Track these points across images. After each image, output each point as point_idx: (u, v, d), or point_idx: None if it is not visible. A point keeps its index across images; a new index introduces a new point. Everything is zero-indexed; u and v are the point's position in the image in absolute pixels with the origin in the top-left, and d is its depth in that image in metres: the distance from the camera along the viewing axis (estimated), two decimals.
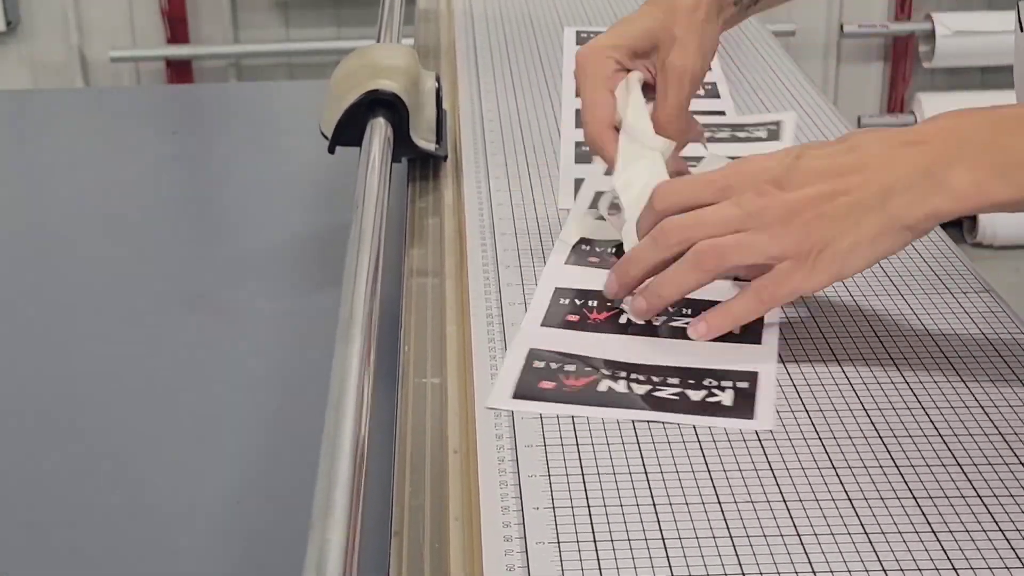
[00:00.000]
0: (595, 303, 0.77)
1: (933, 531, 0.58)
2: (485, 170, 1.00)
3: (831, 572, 0.56)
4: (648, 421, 0.66)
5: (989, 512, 0.60)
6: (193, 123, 1.38)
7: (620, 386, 0.69)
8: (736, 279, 0.77)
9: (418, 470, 0.63)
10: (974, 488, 0.61)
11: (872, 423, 0.67)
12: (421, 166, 1.01)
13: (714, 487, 0.62)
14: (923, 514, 0.60)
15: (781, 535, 0.58)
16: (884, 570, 0.56)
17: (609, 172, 0.85)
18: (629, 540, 0.58)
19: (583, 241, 0.85)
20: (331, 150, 0.93)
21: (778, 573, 0.56)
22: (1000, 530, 0.58)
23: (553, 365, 0.71)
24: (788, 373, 0.71)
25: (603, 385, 0.69)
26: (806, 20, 3.18)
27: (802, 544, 0.58)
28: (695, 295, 0.74)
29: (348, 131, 0.92)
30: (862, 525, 0.59)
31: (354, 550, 0.50)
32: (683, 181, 0.76)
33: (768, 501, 0.61)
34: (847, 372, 0.72)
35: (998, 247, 3.08)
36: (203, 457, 0.74)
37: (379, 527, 0.59)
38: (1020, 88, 0.92)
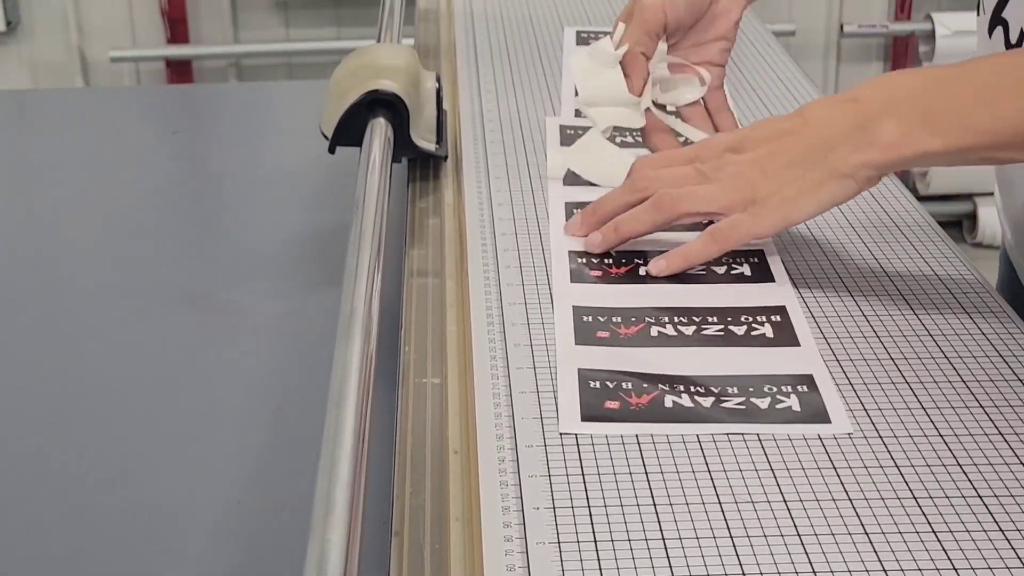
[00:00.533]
0: (619, 319, 0.77)
1: (933, 531, 0.58)
2: (485, 170, 1.00)
3: (831, 572, 0.56)
4: (727, 435, 0.66)
5: (989, 512, 0.60)
6: (193, 123, 1.38)
7: (685, 400, 0.68)
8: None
9: (418, 470, 0.63)
10: (974, 488, 0.61)
11: (872, 423, 0.67)
12: (421, 166, 1.00)
13: (714, 487, 0.62)
14: (923, 514, 0.60)
15: (781, 535, 0.58)
16: (884, 570, 0.56)
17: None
18: (629, 540, 0.58)
19: (579, 255, 0.84)
20: (331, 150, 0.93)
21: (778, 573, 0.56)
22: (1000, 530, 0.58)
23: (610, 384, 0.70)
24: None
25: (668, 400, 0.68)
26: (806, 20, 3.18)
27: (802, 544, 0.58)
28: (707, 303, 0.77)
29: (348, 131, 0.92)
30: (862, 525, 0.59)
31: (354, 550, 0.50)
32: (660, 153, 0.90)
33: (768, 501, 0.61)
34: (847, 372, 0.72)
35: (998, 247, 3.08)
36: (203, 457, 0.74)
37: (379, 527, 0.59)
38: None
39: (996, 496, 0.61)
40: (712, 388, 0.69)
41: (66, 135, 1.29)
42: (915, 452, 0.64)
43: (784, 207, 0.77)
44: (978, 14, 0.92)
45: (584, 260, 0.84)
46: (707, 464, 0.63)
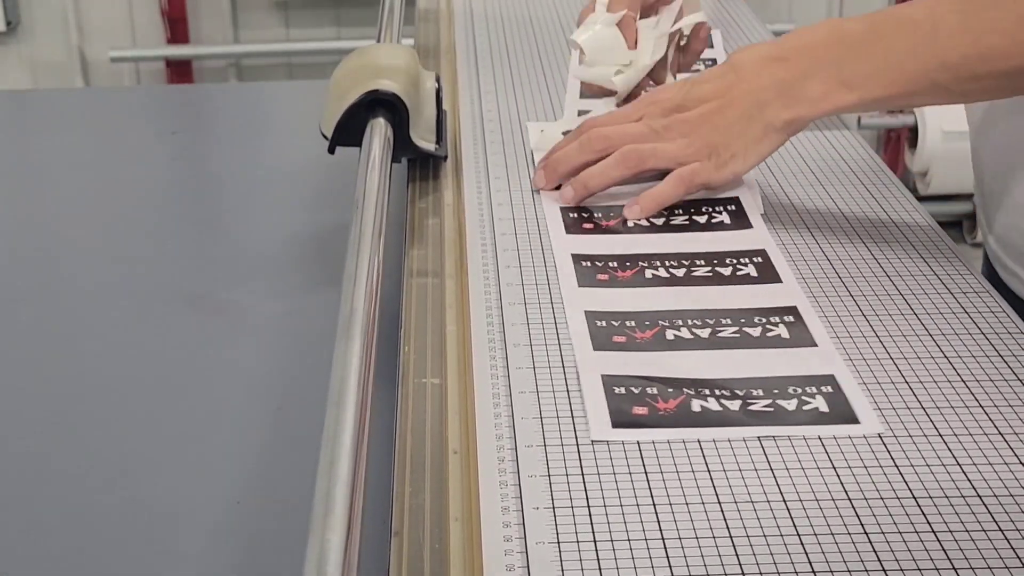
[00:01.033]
0: (633, 323, 0.76)
1: (933, 531, 0.58)
2: (485, 170, 1.00)
3: (831, 572, 0.56)
4: (759, 438, 0.65)
5: (989, 512, 0.60)
6: (193, 123, 1.38)
7: (712, 404, 0.68)
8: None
9: (418, 470, 0.63)
10: (974, 488, 0.61)
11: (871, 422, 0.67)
12: (421, 166, 1.00)
13: (714, 487, 0.62)
14: (923, 514, 0.60)
15: (781, 535, 0.58)
16: (884, 570, 0.56)
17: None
18: (629, 540, 0.58)
19: (583, 259, 0.84)
20: (331, 150, 0.93)
21: (778, 573, 0.56)
22: (1000, 530, 0.58)
23: (635, 389, 0.69)
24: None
25: (695, 405, 0.68)
26: (806, 20, 3.18)
27: (802, 544, 0.58)
28: (719, 304, 0.78)
29: (348, 131, 0.92)
30: (862, 525, 0.59)
31: (354, 550, 0.50)
32: (608, 113, 0.96)
33: (768, 501, 0.61)
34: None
35: None
36: (203, 457, 0.74)
37: (379, 527, 0.59)
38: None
39: (996, 496, 0.61)
40: (737, 391, 0.69)
41: (66, 135, 1.29)
42: (915, 452, 0.64)
43: (734, 162, 0.88)
44: None
45: (589, 264, 0.83)
46: (707, 464, 0.63)
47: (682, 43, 1.11)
